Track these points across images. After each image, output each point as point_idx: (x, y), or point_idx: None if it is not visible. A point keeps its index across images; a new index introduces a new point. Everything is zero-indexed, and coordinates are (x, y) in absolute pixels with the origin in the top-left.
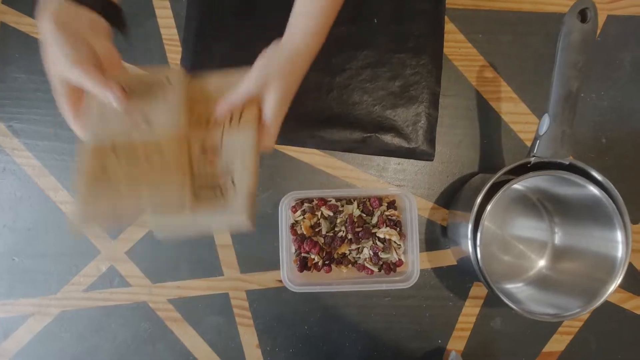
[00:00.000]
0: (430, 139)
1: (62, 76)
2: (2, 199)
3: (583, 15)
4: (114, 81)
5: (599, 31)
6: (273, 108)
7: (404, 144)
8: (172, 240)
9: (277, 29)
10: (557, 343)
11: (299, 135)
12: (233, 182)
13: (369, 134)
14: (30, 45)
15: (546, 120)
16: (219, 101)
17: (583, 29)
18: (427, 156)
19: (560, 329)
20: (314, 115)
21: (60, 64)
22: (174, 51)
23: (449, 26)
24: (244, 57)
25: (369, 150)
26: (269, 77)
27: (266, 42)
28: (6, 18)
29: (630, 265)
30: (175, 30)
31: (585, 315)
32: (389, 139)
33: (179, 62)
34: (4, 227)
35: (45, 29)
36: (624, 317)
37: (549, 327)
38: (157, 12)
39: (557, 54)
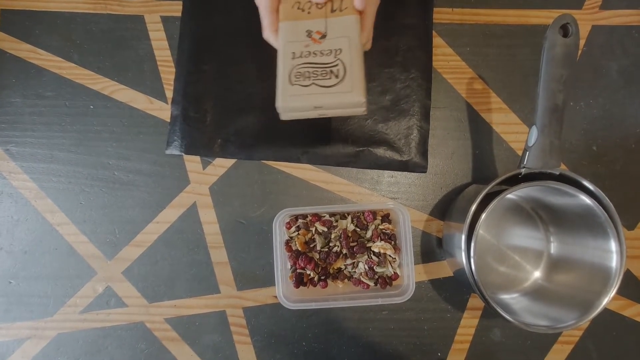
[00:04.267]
0: (423, 152)
1: None
2: None
3: (565, 30)
4: None
5: (584, 41)
6: None
7: (397, 157)
8: (294, 118)
9: (267, 47)
10: (558, 353)
11: (292, 151)
12: (343, 64)
13: (361, 148)
14: (27, 70)
15: (534, 132)
16: None
17: (565, 44)
18: (420, 168)
19: (560, 338)
20: (306, 130)
21: None
22: (167, 72)
23: (437, 40)
24: (235, 74)
25: (361, 164)
26: None
27: (256, 59)
28: (4, 45)
29: (629, 272)
30: (169, 52)
31: (584, 324)
32: (381, 152)
33: (172, 82)
34: (1, 251)
35: None
36: (624, 325)
37: (549, 338)
38: (151, 34)
39: (541, 68)
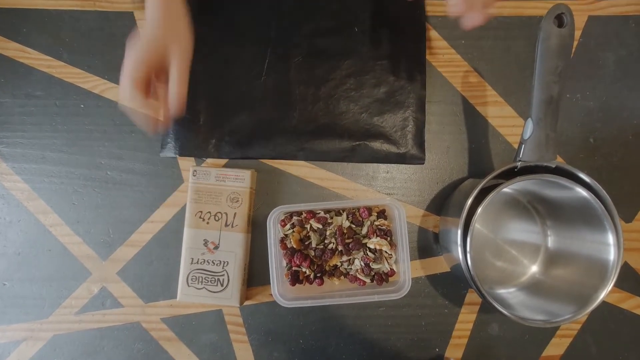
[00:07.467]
0: (420, 143)
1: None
2: None
3: (560, 21)
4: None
5: (580, 32)
6: None
7: (394, 150)
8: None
9: (257, 44)
10: (556, 347)
11: (288, 149)
12: (228, 276)
13: (358, 142)
14: (15, 70)
15: (530, 125)
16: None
17: (560, 34)
18: (418, 160)
19: (558, 332)
20: (302, 127)
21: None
22: None
23: (431, 33)
24: (227, 73)
25: (359, 158)
26: None
27: (247, 57)
28: None
29: (627, 265)
30: None
31: (582, 317)
32: (378, 145)
33: None
34: None
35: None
36: (622, 318)
37: (547, 331)
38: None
39: (536, 60)
